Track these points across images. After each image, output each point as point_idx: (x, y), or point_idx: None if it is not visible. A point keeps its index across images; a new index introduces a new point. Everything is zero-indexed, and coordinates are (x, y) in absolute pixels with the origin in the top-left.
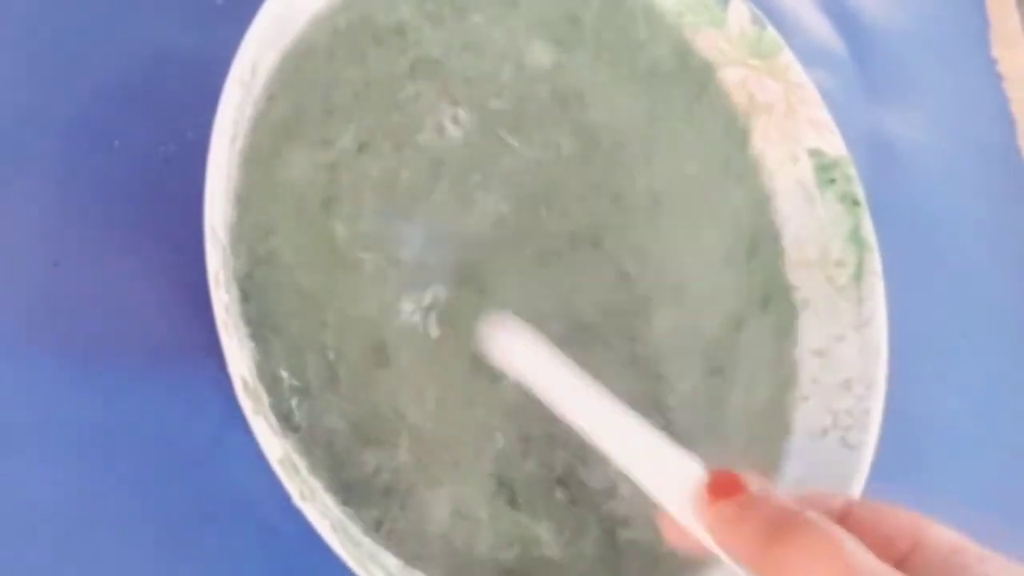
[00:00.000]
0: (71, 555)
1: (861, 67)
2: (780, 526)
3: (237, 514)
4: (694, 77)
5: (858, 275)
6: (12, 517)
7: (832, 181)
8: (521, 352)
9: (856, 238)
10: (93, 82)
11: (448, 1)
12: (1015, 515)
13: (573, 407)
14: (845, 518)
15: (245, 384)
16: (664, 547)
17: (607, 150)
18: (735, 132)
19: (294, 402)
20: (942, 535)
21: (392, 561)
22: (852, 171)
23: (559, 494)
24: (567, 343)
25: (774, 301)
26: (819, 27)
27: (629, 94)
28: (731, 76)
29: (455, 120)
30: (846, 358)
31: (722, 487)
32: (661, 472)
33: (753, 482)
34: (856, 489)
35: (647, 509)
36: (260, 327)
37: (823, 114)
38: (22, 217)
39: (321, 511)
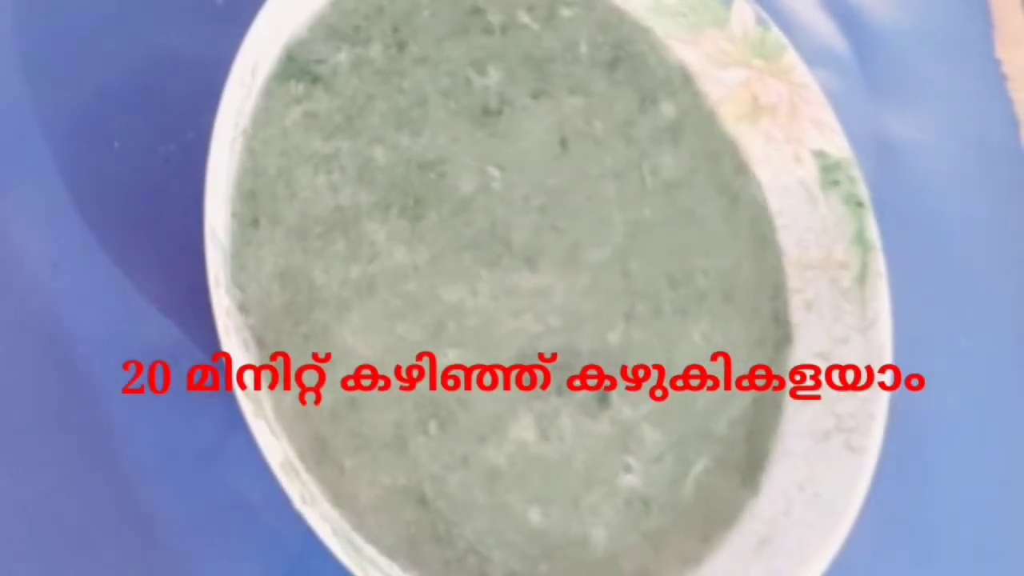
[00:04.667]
0: (70, 558)
1: (864, 67)
2: None
3: (237, 518)
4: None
5: (862, 277)
6: (11, 519)
7: (836, 183)
8: None
9: (860, 240)
10: (93, 82)
11: None
12: (1019, 517)
13: None
14: None
15: None
16: None
17: None
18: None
19: None
20: None
21: (393, 565)
22: (856, 173)
23: None
24: None
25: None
26: (822, 27)
27: None
28: (734, 77)
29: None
30: (849, 360)
31: None
32: None
33: None
34: (860, 493)
35: None
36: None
37: (827, 115)
38: (21, 218)
39: (322, 515)
